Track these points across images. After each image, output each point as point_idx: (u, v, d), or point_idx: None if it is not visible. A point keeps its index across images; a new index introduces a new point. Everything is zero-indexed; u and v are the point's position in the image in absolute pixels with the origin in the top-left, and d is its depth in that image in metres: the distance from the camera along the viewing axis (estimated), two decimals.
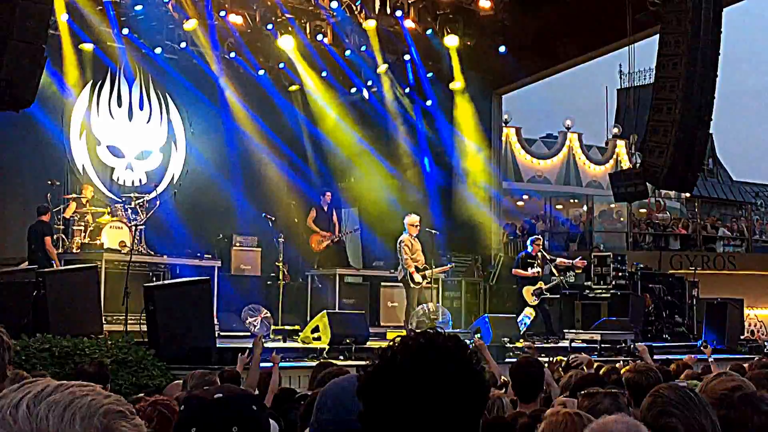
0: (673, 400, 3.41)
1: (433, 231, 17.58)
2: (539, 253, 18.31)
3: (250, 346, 11.13)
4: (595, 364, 9.26)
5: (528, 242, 18.77)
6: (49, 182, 16.21)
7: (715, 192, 40.45)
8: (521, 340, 15.87)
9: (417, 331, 2.21)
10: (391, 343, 2.14)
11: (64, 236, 16.03)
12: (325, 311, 15.13)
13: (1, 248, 17.02)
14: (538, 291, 17.92)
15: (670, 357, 13.47)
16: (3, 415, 1.36)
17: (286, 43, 19.07)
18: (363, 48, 19.93)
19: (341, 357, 13.19)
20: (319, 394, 2.79)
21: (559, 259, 18.52)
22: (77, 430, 1.35)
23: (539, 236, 19.83)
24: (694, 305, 21.87)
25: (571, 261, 18.71)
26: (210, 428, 2.62)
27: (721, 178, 42.71)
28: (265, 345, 14.81)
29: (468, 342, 13.70)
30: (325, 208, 19.35)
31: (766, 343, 19.85)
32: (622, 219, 30.79)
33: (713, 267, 27.17)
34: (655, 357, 12.16)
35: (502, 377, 9.46)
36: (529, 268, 17.97)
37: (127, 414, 1.43)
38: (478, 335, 14.67)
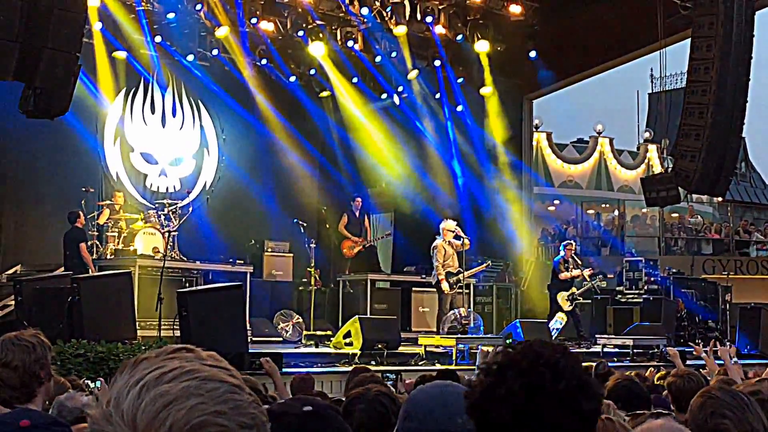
0: (725, 401, 3.39)
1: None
2: (571, 258, 18.33)
3: (284, 351, 11.21)
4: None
5: (561, 247, 18.77)
6: (84, 189, 16.37)
7: (748, 196, 40.16)
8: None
9: (523, 343, 2.18)
10: (497, 358, 2.11)
11: (98, 242, 16.18)
12: (356, 316, 15.17)
13: (37, 255, 17.18)
14: (572, 296, 17.93)
15: (703, 362, 13.38)
16: (123, 390, 1.38)
17: (317, 50, 19.13)
18: (393, 54, 19.96)
19: (373, 362, 13.20)
20: (405, 401, 2.76)
21: (575, 271, 18.38)
22: None
23: (571, 241, 19.78)
24: (728, 310, 21.72)
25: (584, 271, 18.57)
26: None
27: (754, 182, 42.39)
28: (297, 351, 14.93)
29: None
30: (357, 214, 19.44)
31: None
32: (654, 223, 30.63)
33: (746, 271, 27.00)
34: (688, 362, 12.10)
35: None
36: (566, 272, 18.04)
37: (230, 428, 1.36)
38: (509, 341, 14.67)
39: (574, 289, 18.01)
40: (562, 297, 17.96)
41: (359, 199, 19.67)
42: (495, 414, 2.02)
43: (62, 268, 15.13)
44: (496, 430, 2.03)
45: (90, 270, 14.84)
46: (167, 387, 1.36)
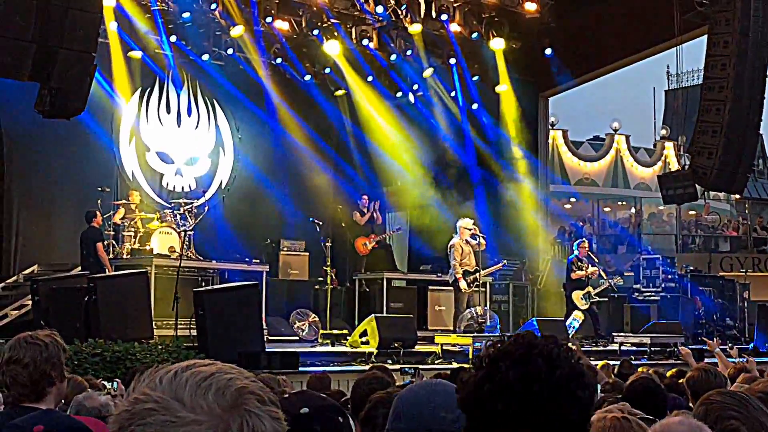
0: (728, 403, 3.38)
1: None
2: (585, 257, 18.26)
3: (300, 350, 11.20)
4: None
5: (574, 245, 18.71)
6: (100, 189, 16.40)
7: (766, 193, 39.96)
8: (569, 344, 15.79)
9: (510, 335, 2.15)
10: (488, 351, 2.08)
11: (114, 242, 16.20)
12: (373, 315, 15.18)
13: (53, 255, 17.23)
14: (587, 295, 17.87)
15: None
16: (154, 377, 1.49)
17: (332, 49, 19.12)
18: (408, 52, 19.94)
19: (389, 361, 13.18)
20: (395, 399, 2.69)
21: (591, 268, 18.27)
22: (209, 399, 1.45)
23: (585, 239, 19.69)
24: (746, 308, 21.63)
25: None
26: None
27: None
28: (314, 349, 14.93)
29: None
30: (365, 211, 19.47)
31: None
32: (670, 221, 30.53)
33: (764, 269, 26.85)
34: (707, 360, 12.03)
35: None
36: (578, 271, 17.96)
37: (264, 398, 1.50)
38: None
39: (590, 288, 17.95)
40: (576, 296, 17.91)
41: (366, 197, 19.73)
42: (489, 406, 1.99)
43: (79, 268, 15.16)
44: (490, 423, 2.00)
45: (107, 270, 14.86)
46: (199, 369, 1.49)
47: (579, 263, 18.08)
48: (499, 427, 2.00)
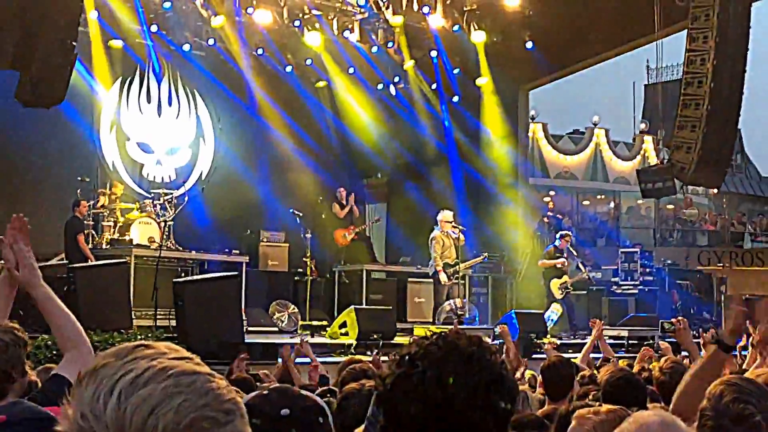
0: (747, 388, 3.32)
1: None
2: (566, 249, 18.35)
3: (281, 341, 11.23)
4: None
5: (557, 236, 18.81)
6: (80, 178, 16.32)
7: (744, 188, 40.21)
8: (548, 336, 15.87)
9: (436, 332, 2.08)
10: (410, 349, 2.02)
11: (93, 232, 16.14)
12: (352, 307, 15.20)
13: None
14: (564, 285, 17.98)
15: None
16: (95, 403, 1.35)
17: (313, 40, 19.11)
18: (390, 44, 19.96)
19: (368, 353, 13.21)
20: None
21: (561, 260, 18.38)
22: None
23: (568, 231, 19.79)
24: (723, 302, 21.77)
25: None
26: None
27: (750, 173, 42.44)
28: (293, 340, 14.92)
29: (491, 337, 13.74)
30: (344, 203, 19.49)
31: None
32: (649, 215, 30.67)
33: (741, 263, 27.00)
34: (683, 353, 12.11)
35: (530, 372, 9.50)
36: (546, 260, 18.12)
37: (219, 419, 1.38)
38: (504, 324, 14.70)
39: (566, 278, 18.05)
40: (554, 284, 18.03)
41: (343, 189, 19.74)
42: (403, 406, 1.92)
43: (61, 256, 15.08)
44: (405, 424, 1.92)
45: (90, 260, 14.79)
46: (146, 391, 1.35)
47: (557, 254, 18.21)
48: (413, 430, 1.92)
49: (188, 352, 1.46)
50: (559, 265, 18.07)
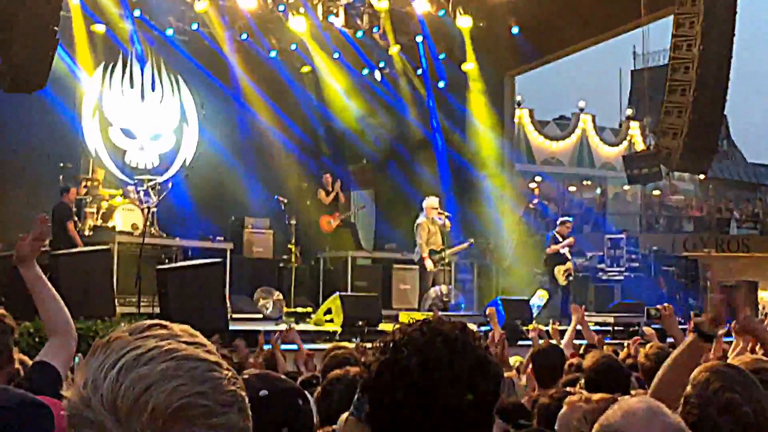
0: (733, 376, 3.26)
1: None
2: (563, 236, 18.39)
3: (264, 328, 11.14)
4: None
5: (558, 222, 18.83)
6: (62, 165, 16.20)
7: (730, 174, 40.29)
8: (533, 323, 15.83)
9: (420, 319, 2.09)
10: (394, 335, 2.03)
11: (76, 218, 16.02)
12: (337, 293, 15.14)
13: (13, 231, 16.92)
14: (568, 272, 18.01)
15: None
16: (99, 373, 1.37)
17: (298, 25, 18.99)
18: (375, 29, 19.85)
19: (354, 339, 13.16)
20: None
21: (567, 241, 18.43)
22: (142, 421, 1.33)
23: (568, 218, 19.65)
24: (708, 288, 21.81)
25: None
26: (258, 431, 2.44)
27: (736, 159, 42.52)
28: (278, 327, 14.86)
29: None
30: (330, 189, 19.39)
31: None
32: (635, 201, 30.69)
33: (727, 249, 27.07)
34: (669, 340, 12.09)
35: (518, 358, 9.45)
36: (553, 245, 18.14)
37: (213, 409, 1.37)
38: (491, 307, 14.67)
39: (569, 264, 18.06)
40: (558, 270, 18.01)
41: (328, 175, 19.62)
42: (389, 393, 1.93)
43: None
44: (391, 410, 1.94)
45: (78, 246, 14.64)
46: (146, 369, 1.36)
47: (557, 239, 18.26)
48: (399, 416, 1.93)
49: (205, 339, 1.46)
50: (562, 251, 18.08)
